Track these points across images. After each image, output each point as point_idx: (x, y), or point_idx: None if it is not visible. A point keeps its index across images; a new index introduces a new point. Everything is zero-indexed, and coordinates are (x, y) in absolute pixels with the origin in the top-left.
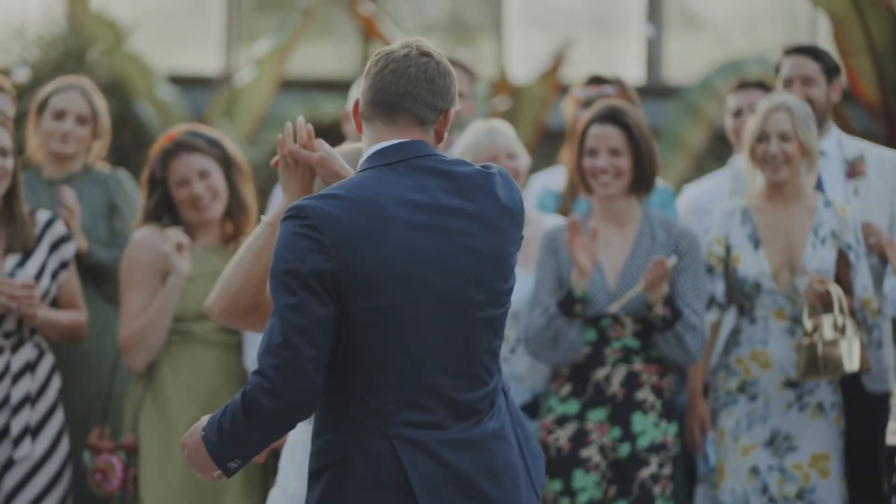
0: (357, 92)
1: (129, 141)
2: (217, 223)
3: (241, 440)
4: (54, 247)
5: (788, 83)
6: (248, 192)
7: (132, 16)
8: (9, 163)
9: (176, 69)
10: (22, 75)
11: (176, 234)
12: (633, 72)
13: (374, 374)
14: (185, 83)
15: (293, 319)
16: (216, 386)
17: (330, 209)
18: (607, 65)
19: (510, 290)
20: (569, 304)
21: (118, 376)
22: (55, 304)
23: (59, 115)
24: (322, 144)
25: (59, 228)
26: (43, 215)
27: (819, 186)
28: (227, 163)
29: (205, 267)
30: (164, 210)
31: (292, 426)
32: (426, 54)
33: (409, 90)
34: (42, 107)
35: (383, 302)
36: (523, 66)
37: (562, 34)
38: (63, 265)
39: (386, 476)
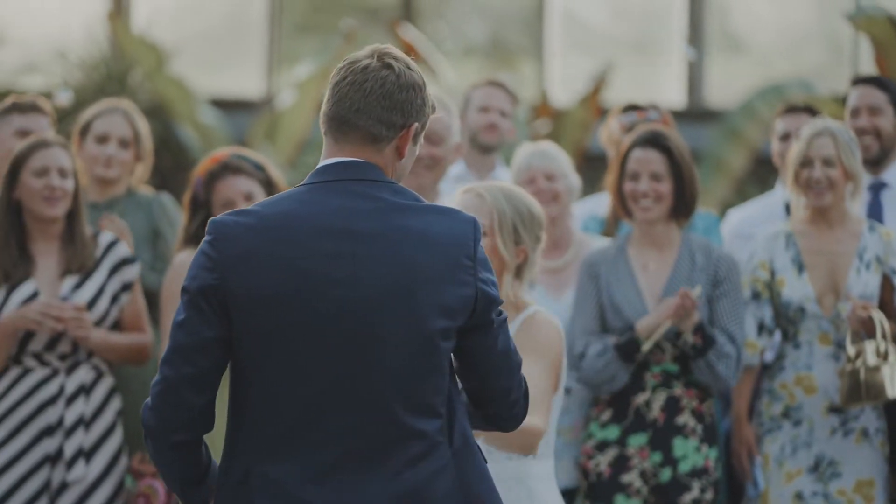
0: None
1: (170, 164)
2: None
3: (161, 469)
4: (115, 269)
5: (856, 113)
6: None
7: (174, 39)
8: (69, 184)
9: (217, 92)
10: (64, 98)
11: None
12: (674, 95)
13: (250, 404)
14: (227, 106)
15: (177, 337)
16: None
17: (233, 225)
18: (648, 88)
19: (437, 329)
20: (631, 351)
21: None
22: (118, 326)
23: (102, 139)
24: None
25: (121, 250)
26: (106, 237)
27: (879, 217)
28: (270, 186)
29: None
30: (204, 232)
31: (186, 450)
32: (387, 66)
33: (363, 106)
34: (85, 130)
35: (264, 326)
36: (564, 89)
37: (603, 58)
38: (125, 287)
39: None
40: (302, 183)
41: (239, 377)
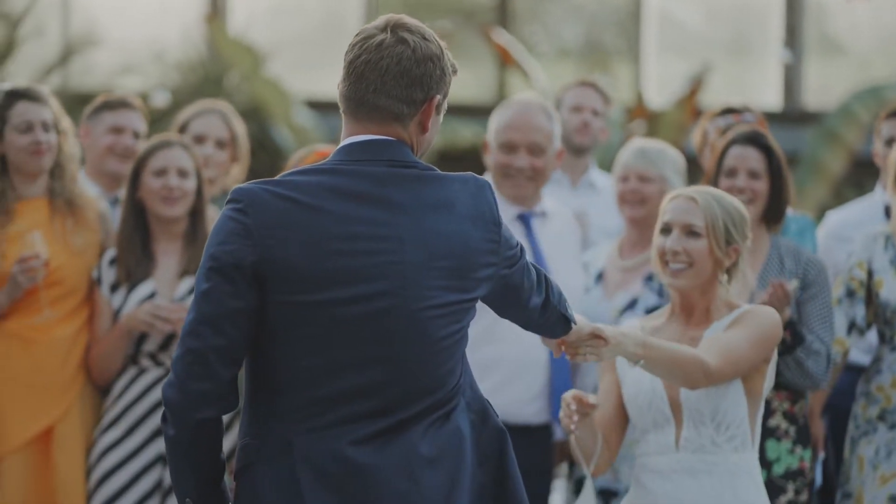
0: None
1: (266, 165)
2: None
3: (175, 462)
4: None
5: None
6: None
7: (270, 41)
8: (189, 184)
9: (313, 94)
10: (161, 100)
11: None
12: (771, 97)
13: (284, 376)
14: (322, 108)
15: (203, 307)
16: None
17: (264, 194)
18: (744, 90)
19: (470, 295)
20: None
21: None
22: None
23: (199, 140)
24: None
25: None
26: None
27: None
28: None
29: None
30: None
31: (208, 432)
32: (402, 41)
33: (381, 86)
34: (182, 131)
35: (298, 295)
36: (660, 91)
37: (698, 59)
38: None
39: (287, 485)
40: (326, 161)
41: (268, 347)
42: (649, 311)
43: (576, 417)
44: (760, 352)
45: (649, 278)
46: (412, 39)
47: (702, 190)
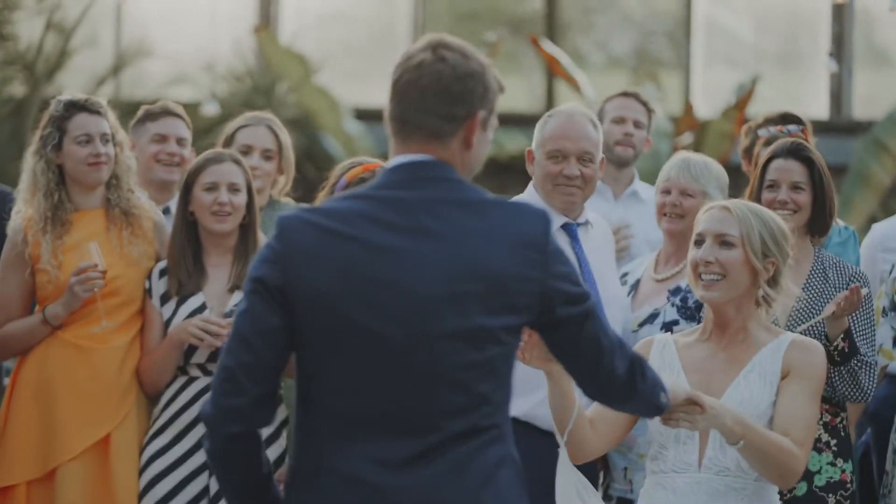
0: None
1: (315, 175)
2: None
3: (217, 472)
4: None
5: None
6: None
7: (319, 51)
8: (239, 199)
9: (362, 103)
10: (211, 110)
11: None
12: (820, 107)
13: (318, 397)
14: (372, 117)
15: (238, 325)
16: None
17: (296, 221)
18: (793, 101)
19: (498, 326)
20: None
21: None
22: None
23: (246, 151)
24: None
25: None
26: None
27: None
28: None
29: None
30: None
31: (241, 445)
32: (441, 59)
33: (421, 104)
34: (228, 142)
35: (323, 320)
36: (709, 101)
37: (748, 69)
38: None
39: None
40: (368, 186)
41: (303, 369)
42: (666, 325)
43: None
44: (818, 401)
45: (674, 292)
46: (451, 57)
47: (738, 201)
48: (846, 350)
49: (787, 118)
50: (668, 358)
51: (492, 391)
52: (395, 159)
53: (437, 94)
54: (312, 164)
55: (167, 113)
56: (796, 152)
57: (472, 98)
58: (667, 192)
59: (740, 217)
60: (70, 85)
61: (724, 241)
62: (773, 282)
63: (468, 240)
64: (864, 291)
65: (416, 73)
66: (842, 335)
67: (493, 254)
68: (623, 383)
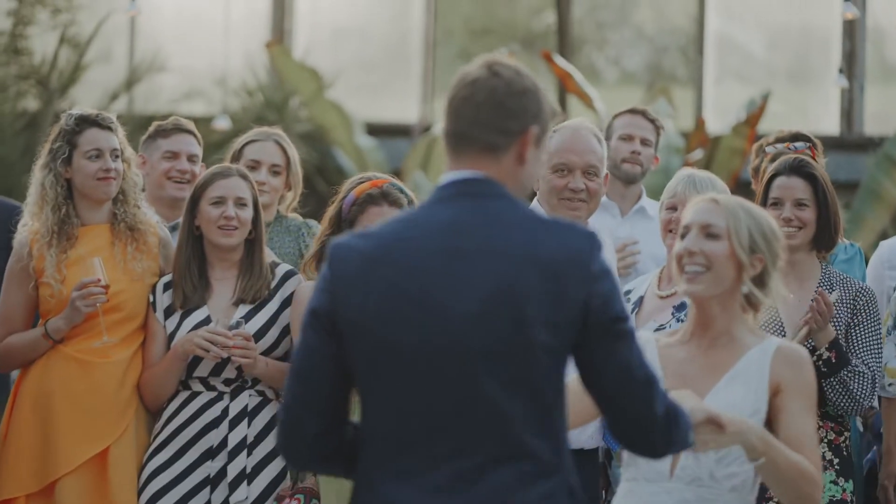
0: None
1: (326, 189)
2: None
3: None
4: (289, 301)
5: None
6: None
7: (332, 66)
8: (246, 214)
9: (375, 118)
10: (223, 124)
11: None
12: (831, 124)
13: (366, 422)
14: (384, 133)
15: (294, 360)
16: None
17: (345, 248)
18: (804, 117)
19: (541, 347)
20: None
21: None
22: (288, 357)
23: (253, 166)
24: None
25: (296, 282)
26: (283, 268)
27: None
28: None
29: None
30: None
31: (324, 461)
32: (496, 75)
33: (476, 119)
34: (236, 157)
35: (370, 346)
36: (720, 116)
37: (760, 85)
38: None
39: None
40: (413, 210)
41: (361, 395)
42: None
43: None
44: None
45: (678, 308)
46: (506, 74)
47: (728, 196)
48: (833, 360)
49: (797, 137)
50: (649, 357)
51: (533, 415)
52: (446, 176)
53: (492, 108)
54: (324, 178)
55: (179, 130)
56: (799, 169)
57: (526, 114)
58: (672, 208)
59: (728, 209)
60: (83, 99)
61: (709, 233)
62: (761, 282)
63: (511, 259)
64: (832, 297)
65: (471, 89)
66: (827, 346)
67: (537, 273)
68: (656, 425)
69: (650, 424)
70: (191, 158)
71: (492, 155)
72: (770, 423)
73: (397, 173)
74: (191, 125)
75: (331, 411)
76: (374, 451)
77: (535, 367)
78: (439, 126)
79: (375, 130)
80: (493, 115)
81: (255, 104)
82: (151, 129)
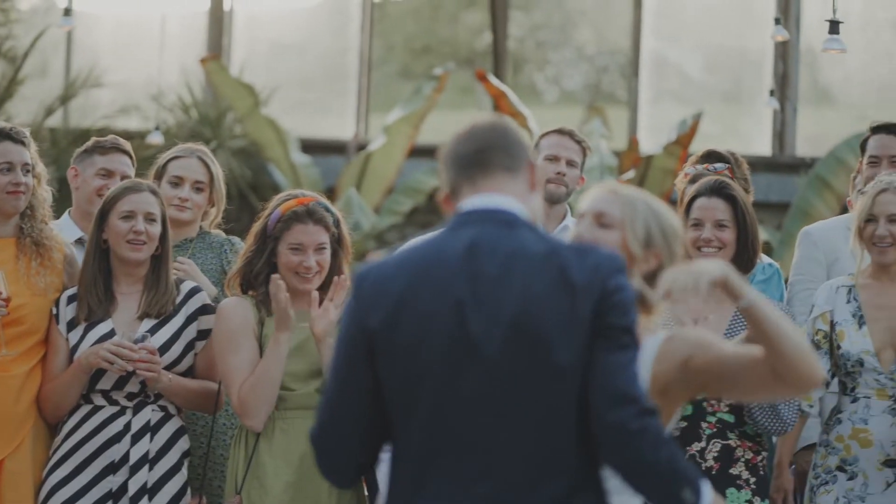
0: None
1: (260, 205)
2: (307, 294)
3: None
4: (193, 316)
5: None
6: (348, 271)
7: (269, 82)
8: (155, 229)
9: (310, 135)
10: (157, 139)
11: (283, 283)
12: (763, 145)
13: (402, 441)
14: (319, 150)
15: (328, 384)
16: (308, 450)
17: (370, 271)
18: (737, 137)
19: (566, 366)
20: None
21: (217, 443)
22: (191, 372)
23: (177, 182)
24: None
25: (201, 298)
26: (187, 284)
27: None
28: (339, 243)
29: (299, 333)
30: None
31: (352, 481)
32: (495, 118)
33: (487, 144)
34: (160, 173)
35: (398, 369)
36: (654, 136)
37: (695, 106)
38: (201, 335)
39: None
40: (440, 232)
41: (390, 418)
42: None
43: None
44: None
45: None
46: (503, 120)
47: (630, 188)
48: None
49: (712, 156)
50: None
51: (563, 435)
52: (466, 202)
53: (501, 136)
54: (258, 194)
55: (116, 149)
56: (719, 190)
57: (528, 151)
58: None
59: (626, 200)
60: (18, 114)
61: (602, 222)
62: (654, 281)
63: (534, 283)
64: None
65: (473, 130)
66: None
67: (559, 296)
68: (632, 438)
69: (627, 437)
70: (123, 178)
71: (509, 174)
72: (713, 390)
73: (331, 190)
74: (128, 146)
75: (369, 433)
76: (406, 472)
77: (563, 387)
78: (375, 144)
79: (310, 147)
80: (504, 141)
81: (190, 119)
82: (89, 143)
